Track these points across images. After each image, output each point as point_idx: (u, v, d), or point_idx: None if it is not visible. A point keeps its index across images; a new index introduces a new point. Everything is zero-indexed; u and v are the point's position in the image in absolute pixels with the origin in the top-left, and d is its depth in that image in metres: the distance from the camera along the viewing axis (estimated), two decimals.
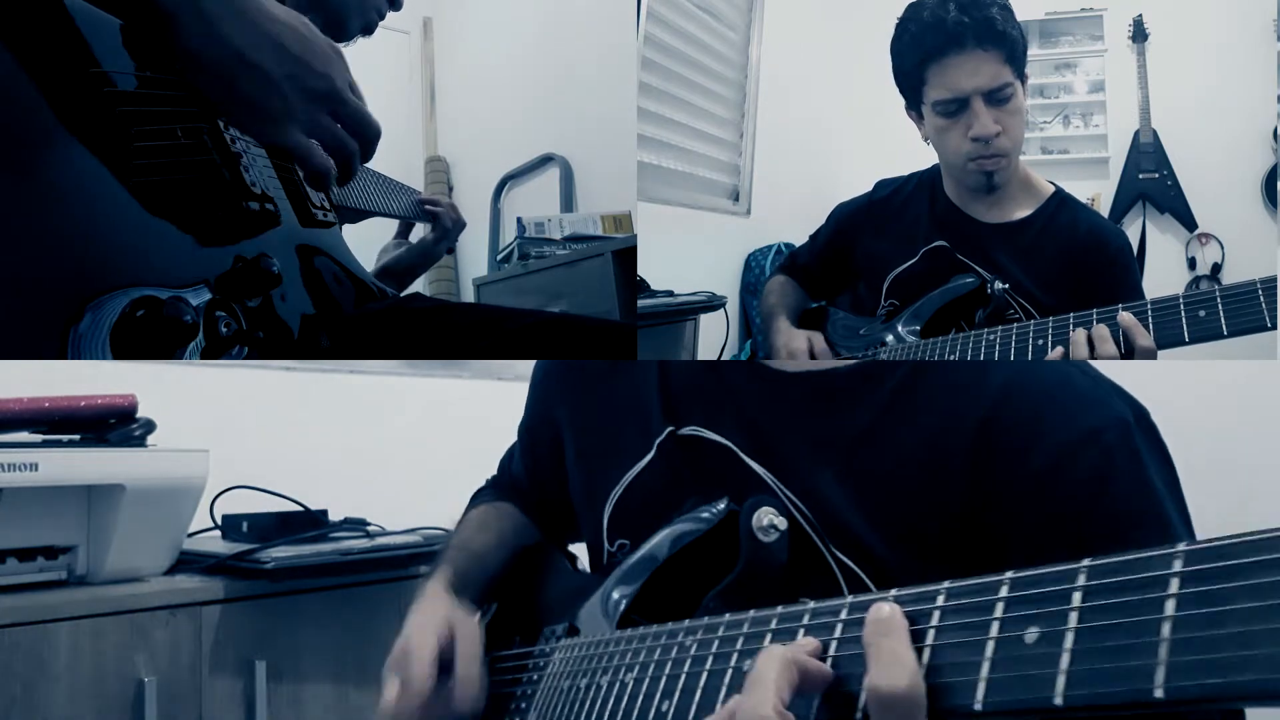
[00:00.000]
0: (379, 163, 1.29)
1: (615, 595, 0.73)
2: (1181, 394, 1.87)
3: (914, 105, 1.34)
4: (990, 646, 0.41)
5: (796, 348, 1.37)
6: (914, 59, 1.28)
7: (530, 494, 1.01)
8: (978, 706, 0.41)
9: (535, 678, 0.78)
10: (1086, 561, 0.40)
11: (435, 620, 0.81)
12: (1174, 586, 0.36)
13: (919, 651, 0.44)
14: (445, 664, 0.80)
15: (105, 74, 0.71)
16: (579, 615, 0.76)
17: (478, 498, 1.06)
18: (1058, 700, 0.38)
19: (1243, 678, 0.33)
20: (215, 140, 0.80)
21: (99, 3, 0.72)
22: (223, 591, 1.32)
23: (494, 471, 1.09)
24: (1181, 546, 0.36)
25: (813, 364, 0.91)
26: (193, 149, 0.76)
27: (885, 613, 0.45)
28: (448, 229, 1.48)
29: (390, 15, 1.22)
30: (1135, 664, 0.36)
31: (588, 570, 0.91)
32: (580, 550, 0.93)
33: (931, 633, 0.44)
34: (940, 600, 0.45)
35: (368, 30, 1.18)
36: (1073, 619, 0.39)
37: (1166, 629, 0.35)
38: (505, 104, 2.96)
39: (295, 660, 1.37)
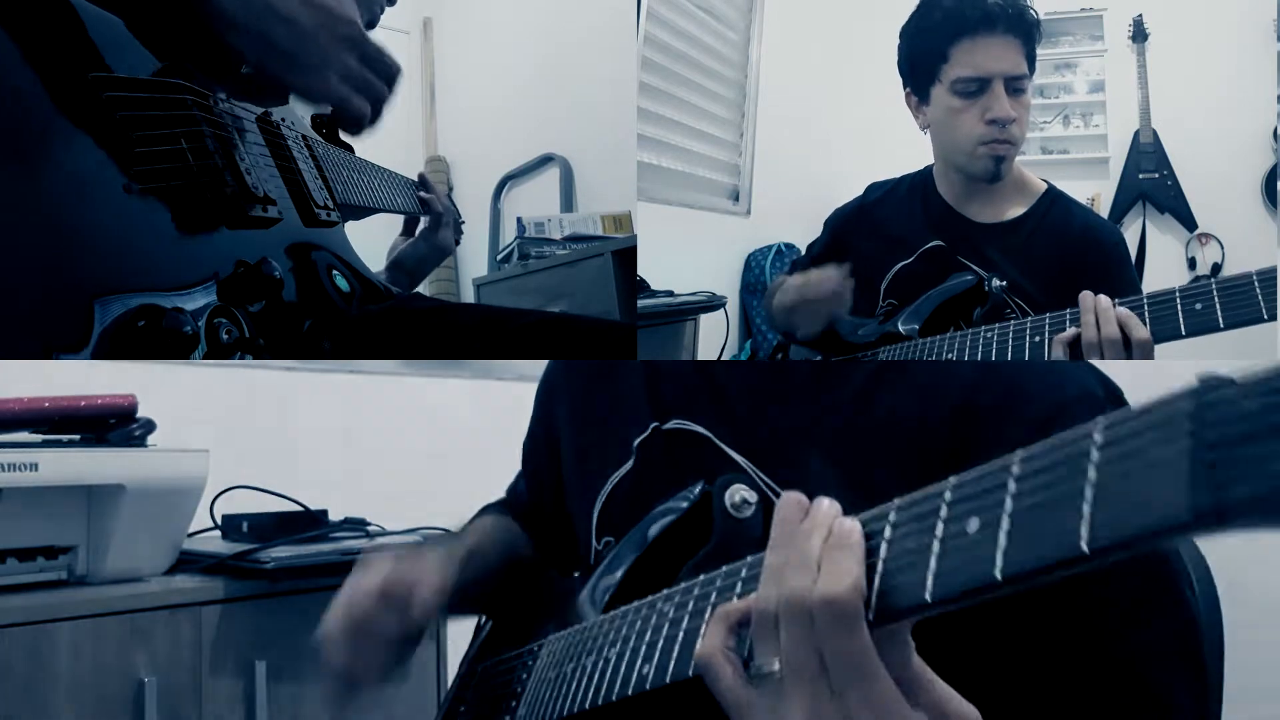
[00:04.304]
0: (380, 161, 1.29)
1: (601, 586, 0.74)
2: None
3: (923, 86, 1.34)
4: (936, 545, 0.44)
5: (812, 276, 1.36)
6: (944, 33, 1.29)
7: (530, 511, 1.02)
8: (928, 598, 0.44)
9: (525, 675, 0.78)
10: (1019, 453, 0.42)
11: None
12: (1095, 456, 0.38)
13: (874, 564, 0.47)
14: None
15: (109, 76, 0.71)
16: (568, 611, 0.77)
17: (483, 512, 1.07)
18: (997, 575, 0.40)
19: (1162, 513, 0.35)
20: (219, 143, 0.80)
21: None
22: (223, 591, 1.32)
23: (492, 471, 1.11)
24: (1100, 420, 0.39)
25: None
26: (196, 153, 0.76)
27: (846, 527, 0.48)
28: (440, 215, 1.47)
29: (391, 16, 1.22)
30: (1065, 527, 0.38)
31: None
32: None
33: (884, 545, 0.47)
34: (891, 516, 0.48)
35: (370, 25, 1.18)
36: (1009, 504, 0.41)
37: (1089, 492, 0.38)
38: (505, 104, 2.96)
39: (295, 660, 1.36)
